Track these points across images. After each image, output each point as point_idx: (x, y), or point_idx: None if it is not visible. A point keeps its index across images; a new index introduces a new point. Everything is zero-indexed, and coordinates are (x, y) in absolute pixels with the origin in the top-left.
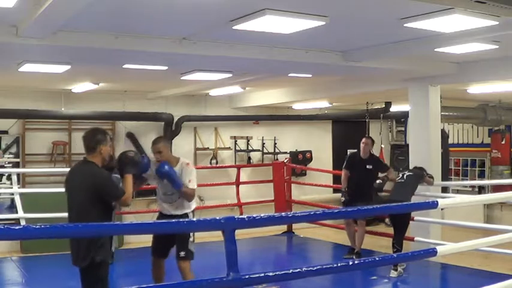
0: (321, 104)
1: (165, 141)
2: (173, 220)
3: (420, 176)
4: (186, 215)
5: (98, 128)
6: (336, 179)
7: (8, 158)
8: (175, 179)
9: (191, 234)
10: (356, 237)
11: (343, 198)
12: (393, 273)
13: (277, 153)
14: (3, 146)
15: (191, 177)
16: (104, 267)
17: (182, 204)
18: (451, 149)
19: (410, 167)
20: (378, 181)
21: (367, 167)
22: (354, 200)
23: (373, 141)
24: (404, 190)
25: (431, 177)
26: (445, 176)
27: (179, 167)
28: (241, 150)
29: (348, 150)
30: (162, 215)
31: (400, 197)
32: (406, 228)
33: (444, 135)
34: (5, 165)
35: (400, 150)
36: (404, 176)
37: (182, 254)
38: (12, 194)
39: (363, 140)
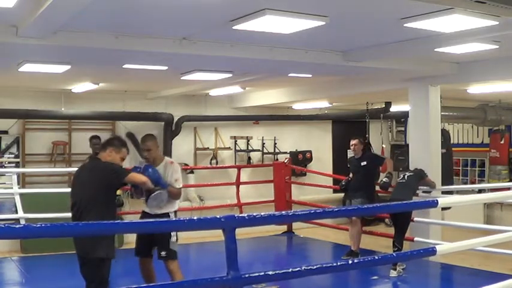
0: (321, 104)
1: (155, 140)
2: (173, 219)
3: (421, 176)
4: (167, 215)
5: (120, 137)
6: (336, 179)
7: (8, 158)
8: (160, 181)
9: (172, 233)
10: (350, 237)
11: (343, 183)
12: (393, 273)
13: (277, 153)
14: (3, 146)
15: (177, 176)
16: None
17: (164, 203)
18: None
19: (411, 167)
20: (384, 179)
21: (362, 164)
22: (350, 195)
23: (361, 141)
24: (405, 190)
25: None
26: (450, 178)
27: (163, 165)
28: (241, 150)
29: (348, 151)
30: (145, 214)
31: (401, 196)
32: (406, 227)
33: (446, 135)
34: (5, 165)
35: (400, 150)
36: (405, 176)
37: (163, 253)
38: (12, 194)
39: (351, 141)
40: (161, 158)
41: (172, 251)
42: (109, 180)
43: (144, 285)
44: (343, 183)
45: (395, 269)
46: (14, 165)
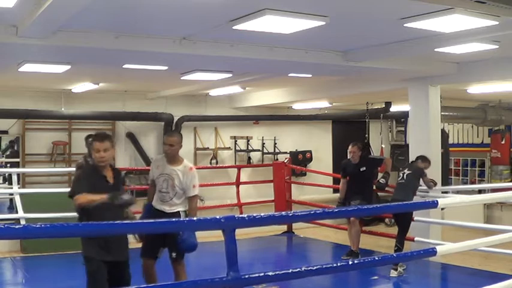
0: (321, 104)
1: (180, 138)
2: (173, 219)
3: (419, 175)
4: (178, 213)
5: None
6: (336, 179)
7: (5, 159)
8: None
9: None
10: (349, 237)
11: (341, 201)
12: (393, 273)
13: (277, 153)
14: (3, 146)
15: (195, 183)
16: (89, 262)
17: (175, 203)
18: (451, 149)
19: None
20: (381, 180)
21: (361, 170)
22: (348, 197)
23: (359, 147)
24: (405, 190)
25: (434, 182)
26: (445, 177)
27: (182, 168)
28: (241, 150)
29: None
30: (155, 210)
31: (401, 197)
32: (408, 227)
33: (444, 135)
34: (2, 165)
35: (400, 150)
36: (404, 175)
37: (174, 255)
38: (12, 194)
39: (349, 148)
40: (180, 160)
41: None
42: None
43: (144, 285)
44: (342, 201)
45: (396, 269)
46: (2, 165)
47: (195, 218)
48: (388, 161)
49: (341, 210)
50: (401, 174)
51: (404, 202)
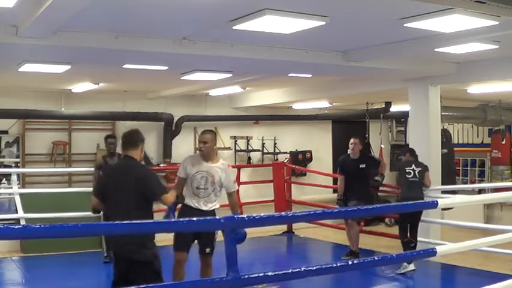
0: (321, 104)
1: (213, 136)
2: (173, 219)
3: (426, 169)
4: (213, 212)
5: (138, 130)
6: (336, 179)
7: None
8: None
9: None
10: (348, 238)
11: (337, 207)
12: (411, 266)
13: (277, 153)
14: (3, 146)
15: (234, 178)
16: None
17: (212, 200)
18: None
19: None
20: (376, 177)
21: (360, 166)
22: (347, 199)
23: (361, 141)
24: (418, 187)
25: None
26: (453, 178)
27: (221, 165)
28: (241, 150)
29: (349, 151)
30: (189, 208)
31: (417, 193)
32: (418, 223)
33: (448, 136)
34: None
35: (400, 150)
36: (416, 172)
37: (208, 250)
38: (12, 194)
39: (351, 140)
40: (217, 158)
41: (214, 248)
42: (146, 194)
43: (144, 286)
44: (341, 198)
45: (410, 263)
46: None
47: (195, 219)
48: (384, 164)
49: (341, 211)
50: (411, 172)
51: (421, 199)
